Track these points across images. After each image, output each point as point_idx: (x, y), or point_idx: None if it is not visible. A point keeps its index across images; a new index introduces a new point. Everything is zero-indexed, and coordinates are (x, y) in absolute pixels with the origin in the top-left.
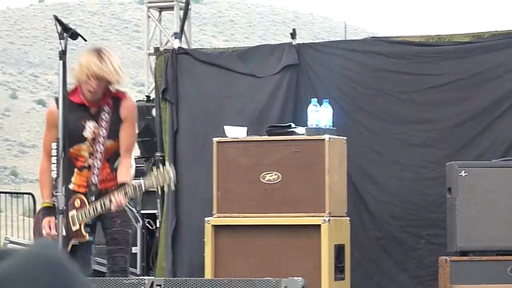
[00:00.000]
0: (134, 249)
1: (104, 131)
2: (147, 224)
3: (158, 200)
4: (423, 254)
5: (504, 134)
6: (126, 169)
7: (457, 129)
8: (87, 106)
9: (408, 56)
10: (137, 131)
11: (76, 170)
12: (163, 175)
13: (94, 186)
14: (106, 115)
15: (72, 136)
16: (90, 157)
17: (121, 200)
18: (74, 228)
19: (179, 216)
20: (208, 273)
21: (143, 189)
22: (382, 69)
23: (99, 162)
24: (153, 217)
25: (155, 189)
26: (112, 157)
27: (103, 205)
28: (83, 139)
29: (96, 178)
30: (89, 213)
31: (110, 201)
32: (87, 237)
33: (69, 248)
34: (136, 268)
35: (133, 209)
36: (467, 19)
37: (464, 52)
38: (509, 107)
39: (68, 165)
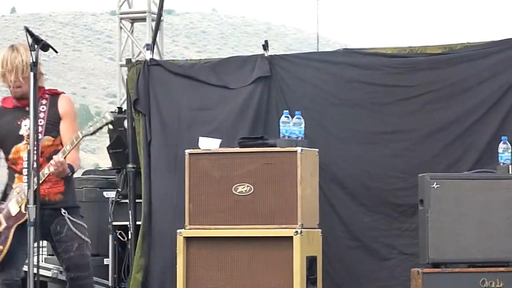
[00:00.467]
0: (106, 261)
1: (41, 121)
2: (119, 236)
3: (130, 212)
4: (395, 264)
5: (475, 144)
6: (70, 161)
7: (428, 139)
8: (21, 107)
9: (381, 67)
10: (77, 128)
11: (16, 175)
12: (99, 119)
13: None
14: (43, 107)
15: (8, 139)
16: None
17: (58, 158)
18: (14, 213)
19: (152, 227)
20: (180, 285)
21: (81, 137)
22: (355, 81)
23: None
24: (125, 228)
25: (93, 133)
26: (53, 156)
27: (42, 175)
28: (20, 139)
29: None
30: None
31: (50, 165)
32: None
33: (12, 233)
34: (108, 280)
35: (85, 225)
36: (439, 31)
37: (436, 63)
38: (479, 118)
39: (9, 174)
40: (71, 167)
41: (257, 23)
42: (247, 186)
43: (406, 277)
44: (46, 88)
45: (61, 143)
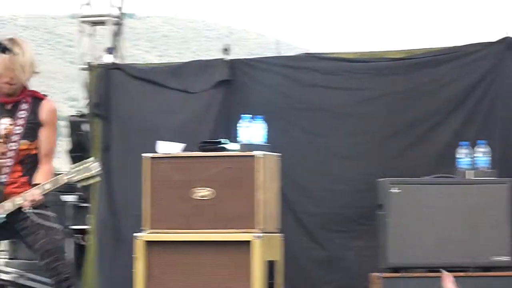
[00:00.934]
0: None
1: (20, 127)
2: (78, 240)
3: (90, 216)
4: (352, 265)
5: (434, 148)
6: (43, 174)
7: (389, 142)
8: (1, 103)
9: (341, 72)
10: (57, 136)
11: None
12: (86, 168)
13: (1, 185)
14: (24, 112)
15: None
16: (1, 156)
17: (36, 196)
18: None
19: (111, 232)
20: None
21: (63, 182)
22: (315, 85)
23: (10, 161)
24: (84, 232)
25: (78, 183)
26: (26, 160)
27: (13, 203)
28: None
29: (4, 177)
30: None
31: (24, 198)
32: None
33: None
34: None
35: (50, 213)
36: (400, 36)
37: (397, 68)
38: (439, 122)
39: None
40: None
41: (218, 27)
42: (208, 190)
43: (363, 278)
44: (31, 89)
45: (36, 148)
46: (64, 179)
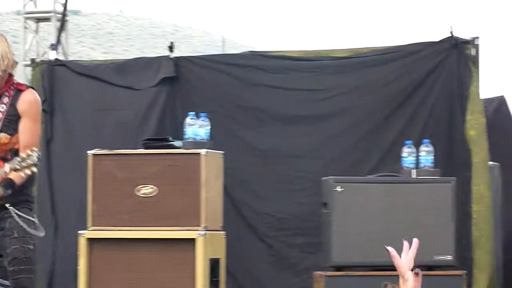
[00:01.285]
0: None
1: None
2: None
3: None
4: (296, 262)
5: (378, 147)
6: None
7: (332, 140)
8: None
9: (286, 70)
10: (38, 128)
11: None
12: (25, 158)
13: None
14: (3, 106)
15: None
16: None
17: None
18: None
19: (54, 228)
20: (82, 287)
21: (7, 171)
22: (260, 83)
23: None
24: None
25: (20, 171)
26: (9, 154)
27: None
28: None
29: None
30: None
31: None
32: None
33: None
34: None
35: (35, 220)
36: (345, 35)
37: (342, 67)
38: (383, 121)
39: None
40: (10, 184)
41: (164, 25)
42: (151, 187)
43: (307, 275)
44: (16, 81)
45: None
46: (7, 168)
